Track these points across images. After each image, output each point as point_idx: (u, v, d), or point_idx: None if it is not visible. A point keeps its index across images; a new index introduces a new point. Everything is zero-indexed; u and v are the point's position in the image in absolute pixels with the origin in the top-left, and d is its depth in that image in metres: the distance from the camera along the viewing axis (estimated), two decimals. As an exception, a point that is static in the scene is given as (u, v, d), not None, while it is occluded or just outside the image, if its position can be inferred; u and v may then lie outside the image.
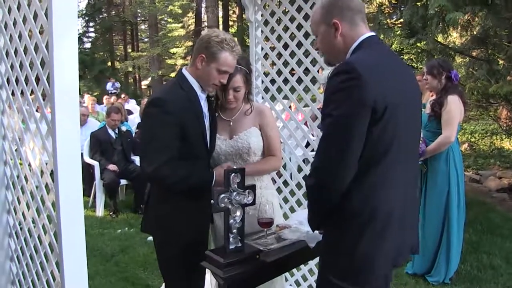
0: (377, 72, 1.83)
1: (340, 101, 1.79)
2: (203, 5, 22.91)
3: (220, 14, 23.47)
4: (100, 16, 30.25)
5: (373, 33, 2.02)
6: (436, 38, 7.67)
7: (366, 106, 1.75)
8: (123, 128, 7.06)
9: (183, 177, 2.45)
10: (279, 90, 3.78)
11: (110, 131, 6.93)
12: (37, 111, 2.45)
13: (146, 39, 33.01)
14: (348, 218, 1.88)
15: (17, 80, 2.52)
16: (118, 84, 20.83)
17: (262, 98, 3.82)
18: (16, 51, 2.48)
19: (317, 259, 3.24)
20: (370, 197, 1.84)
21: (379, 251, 1.84)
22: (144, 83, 33.07)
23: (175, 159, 2.42)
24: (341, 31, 1.97)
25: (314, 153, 2.05)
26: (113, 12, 30.81)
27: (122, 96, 14.64)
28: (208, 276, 2.90)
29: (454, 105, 4.12)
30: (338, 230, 1.93)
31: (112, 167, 6.69)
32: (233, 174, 2.28)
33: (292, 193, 3.78)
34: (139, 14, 30.12)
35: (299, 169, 3.78)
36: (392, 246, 1.87)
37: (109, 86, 20.03)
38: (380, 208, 1.84)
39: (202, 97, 2.60)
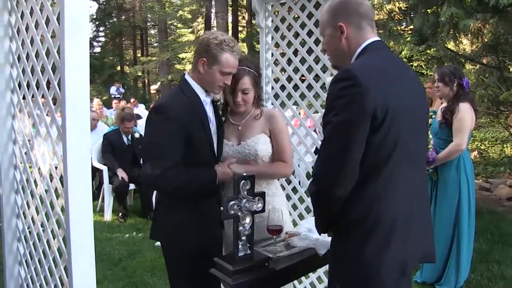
0: (379, 78, 1.82)
1: (340, 108, 1.79)
2: (213, 10, 22.99)
3: (230, 19, 23.51)
4: (110, 21, 30.47)
5: (378, 38, 2.00)
6: (446, 45, 7.63)
7: (366, 113, 1.74)
8: (137, 135, 7.09)
9: (186, 181, 2.44)
10: (289, 96, 3.76)
11: (124, 137, 6.97)
12: (47, 115, 2.45)
13: (155, 44, 33.16)
14: (352, 226, 1.87)
15: (28, 85, 2.53)
16: (122, 89, 20.83)
17: (272, 104, 3.81)
18: (27, 56, 2.49)
19: (325, 267, 3.22)
20: (373, 204, 1.83)
21: (384, 259, 1.82)
22: (153, 87, 33.24)
23: (179, 165, 2.41)
24: (347, 35, 1.97)
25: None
26: (123, 17, 31.03)
27: (132, 100, 14.69)
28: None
29: (465, 113, 4.09)
30: (343, 237, 1.93)
31: (121, 172, 6.69)
32: (242, 181, 2.27)
33: (301, 200, 3.76)
34: (149, 19, 30.31)
35: (308, 176, 3.74)
36: (397, 253, 1.84)
37: (113, 90, 20.00)
38: (384, 215, 1.82)
39: (207, 102, 2.59)
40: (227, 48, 2.46)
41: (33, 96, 2.50)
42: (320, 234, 2.15)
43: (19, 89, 2.66)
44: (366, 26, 1.98)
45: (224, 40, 2.46)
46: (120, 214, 6.76)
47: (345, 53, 1.99)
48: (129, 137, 7.00)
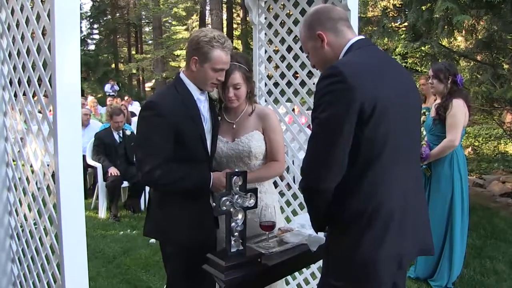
0: (365, 73, 1.84)
1: (326, 103, 1.80)
2: (207, 7, 22.97)
3: (224, 16, 23.50)
4: (105, 18, 30.37)
5: (361, 37, 2.03)
6: (440, 42, 7.65)
7: (352, 108, 1.75)
8: (128, 132, 7.05)
9: (177, 180, 2.45)
10: (282, 93, 3.76)
11: (115, 134, 6.90)
12: (39, 112, 2.44)
13: (150, 41, 33.09)
14: (347, 221, 1.87)
15: (19, 82, 2.52)
16: (116, 87, 20.73)
17: (266, 101, 3.81)
18: (18, 53, 2.48)
19: (319, 263, 3.23)
20: (369, 198, 1.84)
21: (381, 252, 1.82)
22: (148, 85, 33.14)
23: (169, 161, 2.42)
24: (327, 41, 2.01)
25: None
26: (118, 14, 30.94)
27: (126, 98, 14.66)
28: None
29: (458, 109, 4.10)
30: (338, 233, 1.93)
31: (113, 171, 6.63)
32: (235, 177, 2.27)
33: (294, 196, 3.76)
34: (144, 16, 30.23)
35: (302, 172, 3.75)
36: (394, 247, 1.85)
37: (107, 88, 19.93)
38: (380, 209, 1.83)
39: (201, 100, 2.59)
40: (217, 45, 2.45)
41: (24, 93, 2.49)
42: (317, 233, 2.15)
43: (10, 86, 2.64)
44: (343, 28, 2.02)
45: (214, 37, 2.45)
46: (112, 215, 6.67)
47: (331, 58, 2.02)
48: (121, 134, 6.93)
